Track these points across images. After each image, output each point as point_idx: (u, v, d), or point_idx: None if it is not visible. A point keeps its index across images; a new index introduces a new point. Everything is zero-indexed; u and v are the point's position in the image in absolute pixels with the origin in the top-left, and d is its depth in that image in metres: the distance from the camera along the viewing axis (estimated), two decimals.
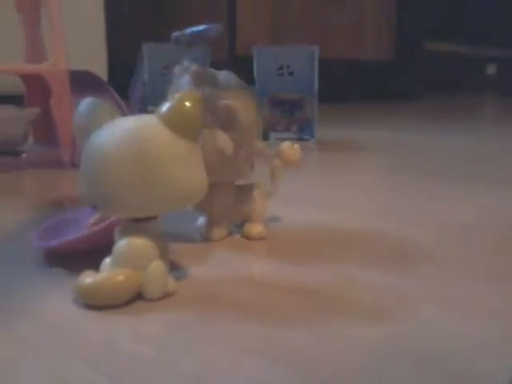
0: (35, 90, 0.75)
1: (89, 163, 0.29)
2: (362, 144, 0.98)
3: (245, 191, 0.40)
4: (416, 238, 0.41)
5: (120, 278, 0.28)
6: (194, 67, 0.36)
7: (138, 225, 0.29)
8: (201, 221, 0.41)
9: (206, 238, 0.40)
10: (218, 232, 0.40)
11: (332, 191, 0.59)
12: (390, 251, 0.38)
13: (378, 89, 2.33)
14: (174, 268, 0.33)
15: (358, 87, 2.26)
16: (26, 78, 0.76)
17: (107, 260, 0.30)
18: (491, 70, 3.56)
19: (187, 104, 0.29)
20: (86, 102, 0.30)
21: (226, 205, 0.39)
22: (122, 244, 0.29)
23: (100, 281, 0.28)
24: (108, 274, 0.29)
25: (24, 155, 0.71)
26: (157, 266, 0.29)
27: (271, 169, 0.42)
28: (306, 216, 0.47)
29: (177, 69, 0.37)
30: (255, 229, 0.40)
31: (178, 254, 0.37)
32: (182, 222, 0.43)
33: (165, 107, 0.29)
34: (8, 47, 0.84)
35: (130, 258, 0.29)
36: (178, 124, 0.28)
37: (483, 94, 2.93)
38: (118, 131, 0.29)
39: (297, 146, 0.42)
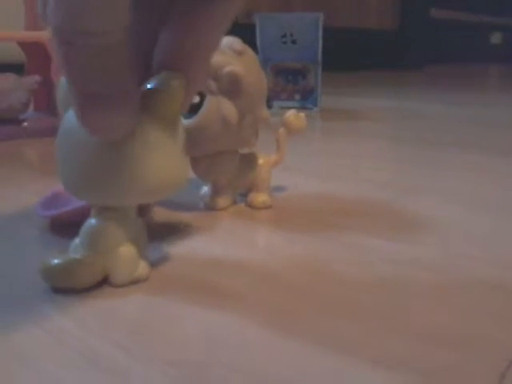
0: (35, 58, 0.74)
1: (63, 143, 0.26)
2: (365, 113, 0.97)
3: (249, 160, 0.40)
4: (420, 208, 0.40)
5: (86, 260, 0.27)
6: None
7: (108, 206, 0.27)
8: (205, 190, 0.41)
9: (211, 206, 0.39)
10: (223, 201, 0.39)
11: (335, 160, 0.58)
12: (394, 219, 0.38)
13: (383, 58, 2.31)
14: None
15: (362, 56, 2.24)
16: (26, 46, 0.75)
17: (77, 241, 0.28)
18: (496, 39, 3.52)
19: (167, 86, 0.25)
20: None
21: (231, 173, 0.39)
22: (88, 225, 0.27)
23: (63, 262, 0.27)
24: (73, 256, 0.27)
25: (25, 123, 0.70)
26: (125, 250, 0.27)
27: (277, 137, 0.42)
28: (309, 185, 0.47)
29: None
30: (260, 197, 0.40)
31: (183, 222, 0.37)
32: (186, 190, 0.42)
33: (145, 89, 0.25)
34: (7, 15, 0.83)
35: (94, 241, 0.27)
36: (157, 109, 0.25)
37: (487, 63, 2.90)
38: None
39: (302, 114, 0.41)
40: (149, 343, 0.22)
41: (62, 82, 0.27)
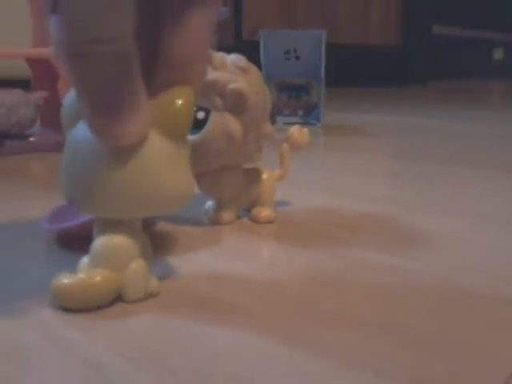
0: (41, 74, 0.75)
1: (69, 158, 0.26)
2: (368, 129, 0.98)
3: (253, 175, 0.41)
4: (422, 223, 0.41)
5: (97, 279, 0.26)
6: None
7: (118, 222, 0.27)
8: (209, 204, 0.41)
9: (215, 221, 0.40)
10: (227, 216, 0.40)
11: (338, 175, 0.59)
12: (397, 235, 0.38)
13: (385, 74, 2.32)
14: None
15: (365, 72, 2.25)
16: (33, 63, 0.76)
17: (85, 259, 0.27)
18: (498, 54, 3.53)
19: (178, 102, 0.25)
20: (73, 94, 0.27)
21: (235, 188, 0.39)
22: (99, 243, 0.27)
23: (76, 282, 0.26)
24: (84, 275, 0.26)
25: (32, 139, 0.71)
26: (137, 266, 0.27)
27: (280, 152, 0.42)
28: (312, 200, 0.48)
29: None
30: (263, 212, 0.40)
31: (188, 237, 0.37)
32: (190, 205, 0.43)
33: (153, 104, 0.25)
34: (15, 32, 0.84)
35: (107, 258, 0.27)
36: (166, 124, 0.25)
37: (490, 78, 2.91)
38: None
39: (305, 129, 0.42)
40: (156, 355, 0.23)
41: (66, 102, 0.27)
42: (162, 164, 0.26)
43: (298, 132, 0.42)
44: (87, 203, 0.26)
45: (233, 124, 0.35)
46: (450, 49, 2.79)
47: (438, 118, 1.17)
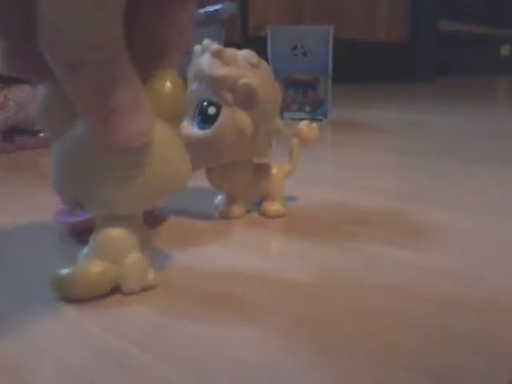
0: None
1: (72, 158, 0.26)
2: (375, 124, 0.98)
3: (263, 169, 0.41)
4: (432, 217, 0.41)
5: (96, 270, 0.27)
6: (214, 46, 0.36)
7: (118, 215, 0.27)
8: (219, 199, 0.41)
9: (225, 215, 0.40)
10: (237, 210, 0.40)
11: (346, 171, 0.59)
12: (407, 229, 0.38)
13: (392, 70, 2.32)
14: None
15: (372, 68, 2.25)
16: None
17: (85, 251, 0.28)
18: (505, 51, 3.52)
19: (169, 85, 0.26)
20: (47, 88, 0.26)
21: (245, 183, 0.40)
22: (98, 235, 0.27)
23: (75, 273, 0.26)
24: (84, 265, 0.27)
25: (41, 134, 0.72)
26: (135, 259, 0.27)
27: (290, 147, 0.43)
28: (321, 195, 0.48)
29: (196, 48, 0.37)
30: (273, 206, 0.41)
31: (198, 231, 0.38)
32: (200, 199, 0.43)
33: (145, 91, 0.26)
34: None
35: (106, 250, 0.27)
36: (162, 108, 0.26)
37: (497, 75, 2.90)
38: None
39: (314, 125, 0.42)
40: (167, 344, 0.23)
41: (40, 97, 0.26)
42: (166, 152, 0.26)
43: (307, 127, 0.42)
44: (97, 203, 0.26)
45: (243, 119, 0.36)
46: (457, 45, 2.78)
47: (445, 114, 1.17)
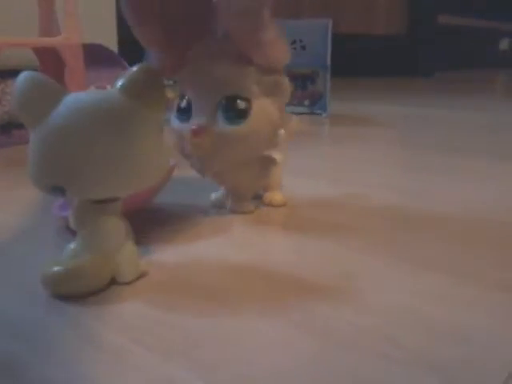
0: (49, 63, 0.75)
1: (53, 143, 0.26)
2: (373, 118, 0.97)
3: (266, 162, 0.41)
4: (429, 211, 0.41)
5: (93, 264, 0.27)
6: None
7: (103, 206, 0.27)
8: (216, 194, 0.41)
9: (237, 210, 0.40)
10: (249, 204, 0.41)
11: (345, 165, 0.59)
12: (405, 223, 0.38)
13: (392, 63, 2.31)
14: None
15: (371, 62, 2.24)
16: (40, 52, 0.76)
17: (71, 246, 0.28)
18: (504, 45, 3.51)
19: (148, 74, 0.27)
20: (24, 78, 0.26)
21: (253, 178, 0.40)
22: (96, 227, 0.27)
23: (70, 268, 0.26)
24: (79, 260, 0.27)
25: None
26: (130, 247, 0.28)
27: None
28: (319, 189, 0.48)
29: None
30: (277, 196, 0.42)
31: (195, 225, 0.38)
32: (198, 195, 0.43)
33: (125, 80, 0.26)
34: (22, 22, 0.84)
35: (104, 241, 0.27)
36: (142, 95, 0.26)
37: (497, 69, 2.89)
38: (85, 105, 0.26)
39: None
40: (167, 339, 0.23)
41: (17, 88, 0.26)
42: (145, 142, 0.26)
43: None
44: (81, 186, 0.26)
45: (272, 109, 0.36)
46: (456, 39, 2.78)
47: (444, 107, 1.16)
